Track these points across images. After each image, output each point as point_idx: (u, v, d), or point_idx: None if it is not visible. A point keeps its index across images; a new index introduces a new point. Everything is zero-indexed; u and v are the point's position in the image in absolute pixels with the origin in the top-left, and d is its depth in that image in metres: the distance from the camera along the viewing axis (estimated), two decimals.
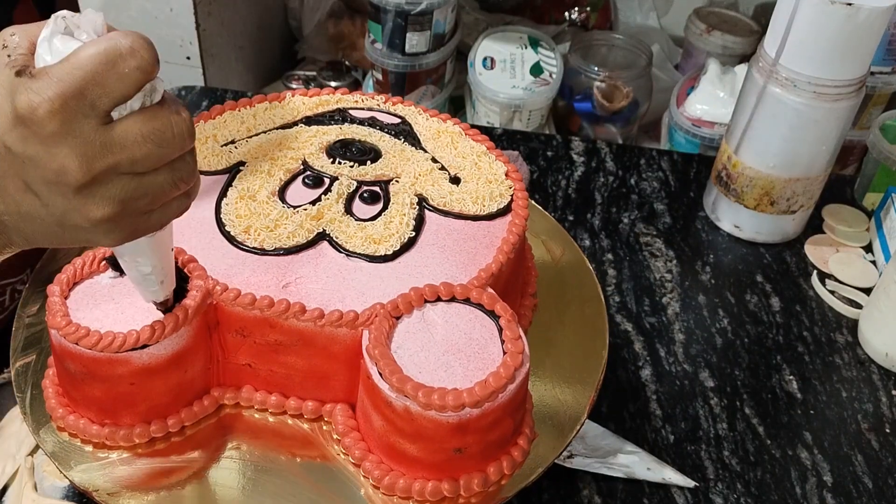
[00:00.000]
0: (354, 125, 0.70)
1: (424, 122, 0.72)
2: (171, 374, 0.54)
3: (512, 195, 0.65)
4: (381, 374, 0.51)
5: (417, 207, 0.62)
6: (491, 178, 0.66)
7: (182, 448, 0.56)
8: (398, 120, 0.71)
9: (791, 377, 0.82)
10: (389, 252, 0.58)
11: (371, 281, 0.56)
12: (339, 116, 0.71)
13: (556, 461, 0.59)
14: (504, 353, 0.52)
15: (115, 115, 0.39)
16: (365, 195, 0.62)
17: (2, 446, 0.66)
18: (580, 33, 1.43)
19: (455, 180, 0.65)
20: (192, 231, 0.59)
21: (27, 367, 0.59)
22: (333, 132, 0.68)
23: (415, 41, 1.22)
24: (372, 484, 0.54)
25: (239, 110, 0.71)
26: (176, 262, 0.54)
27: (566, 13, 1.49)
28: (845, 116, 0.88)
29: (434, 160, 0.67)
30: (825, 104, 0.86)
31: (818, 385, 0.82)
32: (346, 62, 1.46)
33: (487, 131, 1.13)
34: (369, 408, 0.53)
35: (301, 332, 0.54)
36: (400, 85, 1.27)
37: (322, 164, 0.65)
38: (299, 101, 0.72)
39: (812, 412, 0.79)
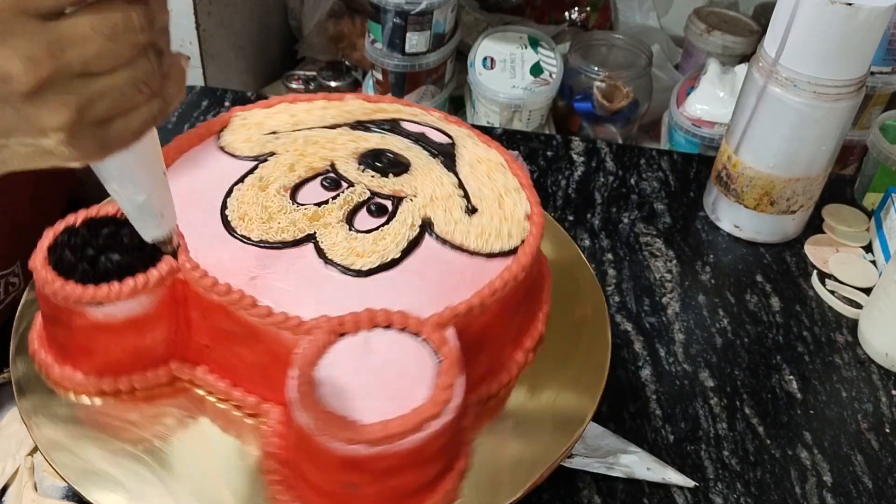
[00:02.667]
0: (399, 137, 0.68)
1: (472, 146, 0.69)
2: (126, 337, 0.55)
3: (524, 239, 0.61)
4: (294, 385, 0.49)
5: (418, 230, 0.59)
6: (509, 216, 0.62)
7: (126, 407, 0.57)
8: (448, 140, 0.69)
9: (791, 377, 0.82)
10: (365, 268, 0.56)
11: (336, 292, 0.55)
12: (389, 126, 0.69)
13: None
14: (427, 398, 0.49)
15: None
16: (373, 207, 0.60)
17: (2, 446, 0.66)
18: (580, 33, 1.43)
19: (472, 210, 0.62)
20: (195, 208, 0.59)
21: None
22: (374, 140, 0.67)
23: (415, 41, 1.22)
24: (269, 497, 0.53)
25: (295, 103, 0.70)
26: None
27: (566, 13, 1.49)
28: (845, 116, 0.88)
29: (460, 185, 0.64)
30: (825, 104, 0.86)
31: (818, 385, 0.82)
32: (346, 62, 1.46)
33: (487, 131, 1.13)
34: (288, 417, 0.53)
35: (250, 326, 0.53)
36: (400, 85, 1.27)
37: (347, 168, 0.63)
38: (357, 105, 0.71)
39: (812, 412, 0.79)
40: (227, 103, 1.13)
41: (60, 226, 0.57)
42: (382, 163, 0.63)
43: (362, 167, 0.64)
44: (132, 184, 0.43)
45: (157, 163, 0.44)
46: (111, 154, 0.40)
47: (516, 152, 1.04)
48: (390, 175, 0.63)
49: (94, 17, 0.36)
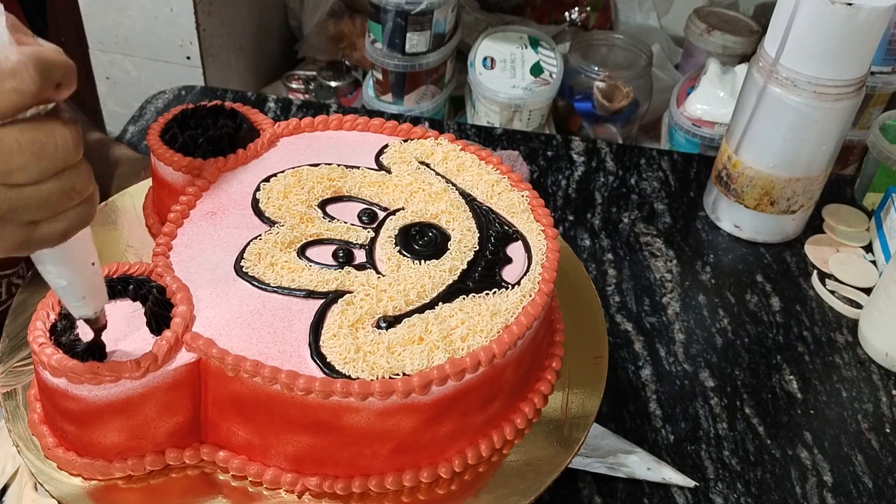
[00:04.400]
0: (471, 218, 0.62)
1: (536, 238, 0.61)
2: (112, 418, 0.51)
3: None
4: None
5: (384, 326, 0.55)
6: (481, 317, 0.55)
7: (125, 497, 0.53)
8: (511, 230, 0.62)
9: (791, 377, 0.82)
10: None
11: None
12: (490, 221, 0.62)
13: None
14: None
15: None
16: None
17: (2, 446, 0.66)
18: (580, 33, 1.43)
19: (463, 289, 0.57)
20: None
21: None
22: (440, 206, 0.62)
23: (415, 41, 1.22)
24: None
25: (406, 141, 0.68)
26: (162, 290, 0.53)
27: (566, 13, 1.49)
28: (845, 116, 0.88)
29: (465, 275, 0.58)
30: (825, 104, 0.86)
31: (818, 385, 0.82)
32: (346, 62, 1.46)
33: (487, 131, 1.13)
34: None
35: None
36: (400, 85, 1.27)
37: (380, 248, 0.59)
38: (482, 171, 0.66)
39: (812, 412, 0.79)
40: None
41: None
42: (418, 245, 0.59)
43: (396, 245, 0.59)
44: (54, 270, 0.44)
45: (83, 254, 0.45)
46: (34, 252, 0.41)
47: (516, 152, 1.05)
48: (421, 262, 0.57)
49: (23, 132, 0.36)
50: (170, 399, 0.51)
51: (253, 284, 0.55)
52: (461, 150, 0.68)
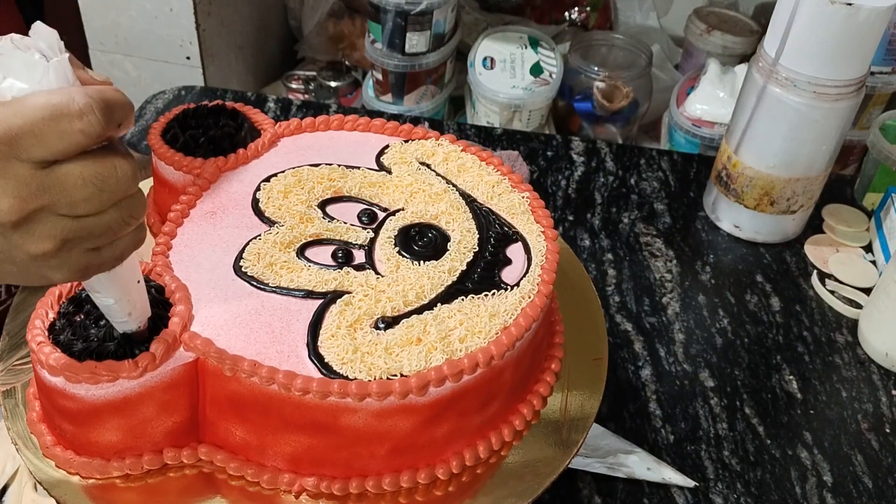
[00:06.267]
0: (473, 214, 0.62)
1: (535, 239, 0.61)
2: (110, 417, 0.51)
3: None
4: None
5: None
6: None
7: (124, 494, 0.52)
8: (511, 231, 0.62)
9: (791, 377, 0.82)
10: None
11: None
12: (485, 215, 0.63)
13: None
14: None
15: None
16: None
17: (2, 446, 0.66)
18: (580, 33, 1.43)
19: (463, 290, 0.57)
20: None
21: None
22: (438, 204, 0.62)
23: (415, 41, 1.22)
24: None
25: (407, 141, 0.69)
26: (161, 289, 0.53)
27: (566, 13, 1.49)
28: (845, 116, 0.88)
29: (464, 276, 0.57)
30: (825, 104, 0.86)
31: (818, 385, 0.82)
32: (346, 62, 1.46)
33: (487, 131, 1.13)
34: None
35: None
36: (400, 85, 1.27)
37: (380, 249, 0.59)
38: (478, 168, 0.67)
39: (812, 412, 0.79)
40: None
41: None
42: (417, 245, 0.59)
43: (395, 246, 0.59)
44: (103, 291, 0.46)
45: (132, 276, 0.47)
46: (92, 276, 0.43)
47: (516, 152, 1.05)
48: (420, 262, 0.57)
49: (87, 167, 0.38)
50: (168, 398, 0.51)
51: (252, 284, 0.55)
52: (462, 150, 0.68)
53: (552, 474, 0.56)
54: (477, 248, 0.59)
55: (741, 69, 1.21)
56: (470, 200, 0.63)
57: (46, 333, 0.50)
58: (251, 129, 0.68)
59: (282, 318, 0.53)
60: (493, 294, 0.56)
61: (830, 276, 0.94)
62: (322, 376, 0.50)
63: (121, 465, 0.52)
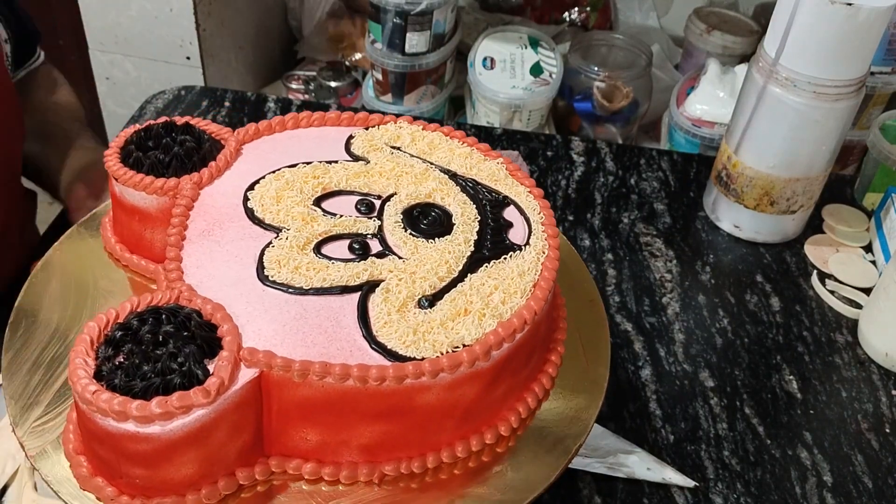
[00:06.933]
0: (460, 187, 0.64)
1: (526, 199, 0.64)
2: (187, 449, 0.49)
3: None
4: None
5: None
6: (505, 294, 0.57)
7: None
8: (501, 196, 0.64)
9: (791, 377, 0.82)
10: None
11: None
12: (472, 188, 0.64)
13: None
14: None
15: None
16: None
17: (2, 446, 0.66)
18: (580, 33, 1.43)
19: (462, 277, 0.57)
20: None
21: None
22: (432, 185, 0.63)
23: (415, 41, 1.22)
24: None
25: (394, 123, 0.69)
26: (199, 314, 0.51)
27: (566, 13, 1.49)
28: (845, 116, 0.88)
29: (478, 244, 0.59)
30: (825, 104, 0.86)
31: (818, 385, 0.82)
32: (346, 62, 1.46)
33: (487, 131, 1.13)
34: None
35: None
36: (400, 85, 1.27)
37: (391, 235, 0.59)
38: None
39: (812, 412, 0.79)
40: (226, 103, 1.13)
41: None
42: (423, 224, 0.60)
43: (404, 226, 0.60)
44: None
45: None
46: None
47: (516, 152, 1.05)
48: (431, 239, 0.59)
49: None
50: (237, 418, 0.50)
51: (285, 291, 0.55)
52: (422, 129, 0.69)
53: (554, 471, 0.57)
54: (479, 217, 0.61)
55: (741, 69, 1.21)
56: (452, 175, 0.65)
57: (96, 381, 0.47)
58: (212, 141, 0.65)
59: (328, 316, 0.53)
60: (511, 256, 0.58)
61: (830, 276, 0.94)
62: (392, 362, 0.51)
63: (197, 498, 0.50)
